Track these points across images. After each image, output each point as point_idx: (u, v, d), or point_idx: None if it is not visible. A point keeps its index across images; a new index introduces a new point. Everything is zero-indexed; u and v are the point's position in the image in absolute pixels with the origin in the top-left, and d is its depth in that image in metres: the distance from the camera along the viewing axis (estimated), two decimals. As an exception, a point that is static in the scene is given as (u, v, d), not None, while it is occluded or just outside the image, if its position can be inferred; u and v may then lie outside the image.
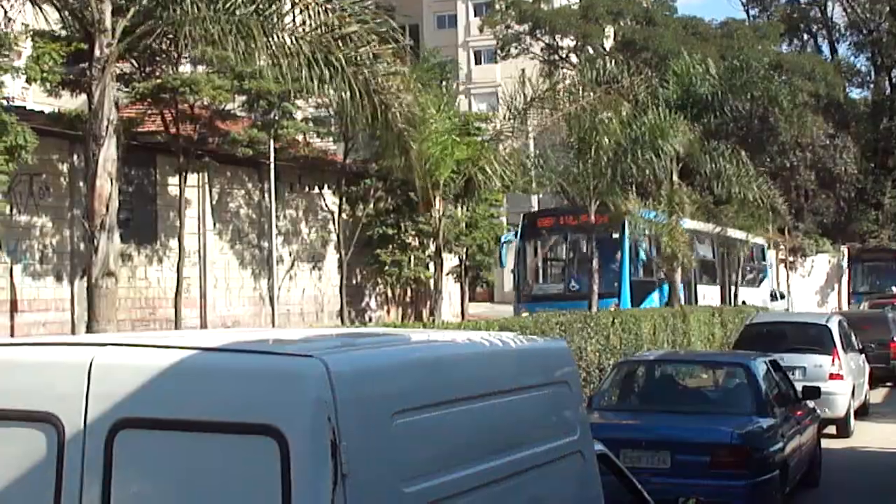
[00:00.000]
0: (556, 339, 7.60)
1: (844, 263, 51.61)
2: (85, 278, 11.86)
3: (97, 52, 11.72)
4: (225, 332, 6.22)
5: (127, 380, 4.70)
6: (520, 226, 31.53)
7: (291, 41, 12.52)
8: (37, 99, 32.49)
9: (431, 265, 26.70)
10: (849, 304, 46.02)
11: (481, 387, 5.59)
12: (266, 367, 4.65)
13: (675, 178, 25.78)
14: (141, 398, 4.66)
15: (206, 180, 28.63)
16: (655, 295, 29.11)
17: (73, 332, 22.42)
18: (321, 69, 12.50)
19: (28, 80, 20.89)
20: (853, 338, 22.58)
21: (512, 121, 18.83)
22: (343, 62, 12.64)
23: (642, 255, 28.82)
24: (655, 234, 23.93)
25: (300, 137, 31.37)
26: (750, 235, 34.73)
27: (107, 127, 11.49)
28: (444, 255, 36.74)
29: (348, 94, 12.83)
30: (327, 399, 4.42)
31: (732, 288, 34.91)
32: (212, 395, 4.59)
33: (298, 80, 12.99)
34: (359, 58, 12.94)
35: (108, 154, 11.45)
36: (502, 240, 33.86)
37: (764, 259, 42.50)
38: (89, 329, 11.21)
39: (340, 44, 12.75)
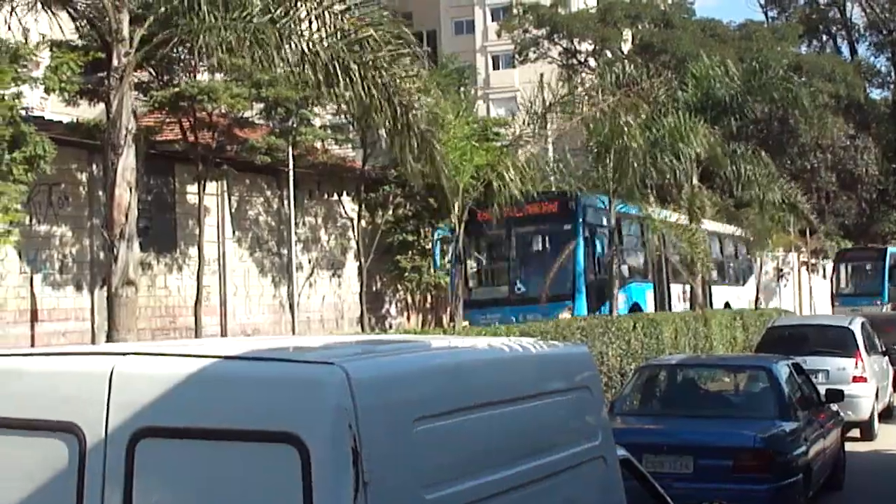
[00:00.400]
0: (577, 345, 7.61)
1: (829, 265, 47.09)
2: (105, 287, 11.88)
3: (115, 62, 11.78)
4: (245, 341, 6.23)
5: (147, 389, 4.72)
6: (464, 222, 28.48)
7: (308, 47, 12.54)
8: (55, 109, 32.63)
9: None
10: (832, 308, 41.09)
11: (502, 392, 5.58)
12: (286, 375, 4.66)
13: (695, 180, 25.72)
14: (161, 407, 4.68)
15: (225, 188, 28.66)
16: (621, 297, 25.40)
17: (93, 341, 22.49)
18: (338, 75, 12.50)
19: (46, 91, 20.97)
20: (876, 340, 22.45)
21: (531, 126, 18.80)
22: (361, 66, 12.64)
23: (600, 248, 24.97)
24: (674, 238, 23.73)
25: (318, 144, 31.38)
26: (733, 228, 32.59)
27: (125, 136, 11.53)
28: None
29: (367, 98, 12.82)
30: (348, 406, 4.42)
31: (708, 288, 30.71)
32: (232, 404, 4.60)
33: (317, 86, 13.00)
34: (377, 61, 12.94)
35: (127, 163, 11.49)
36: (435, 236, 30.41)
37: (748, 254, 37.67)
38: (109, 338, 11.25)
39: (357, 48, 12.75)
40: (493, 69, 73.33)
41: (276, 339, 7.10)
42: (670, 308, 27.55)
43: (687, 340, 23.31)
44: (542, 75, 23.45)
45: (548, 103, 18.83)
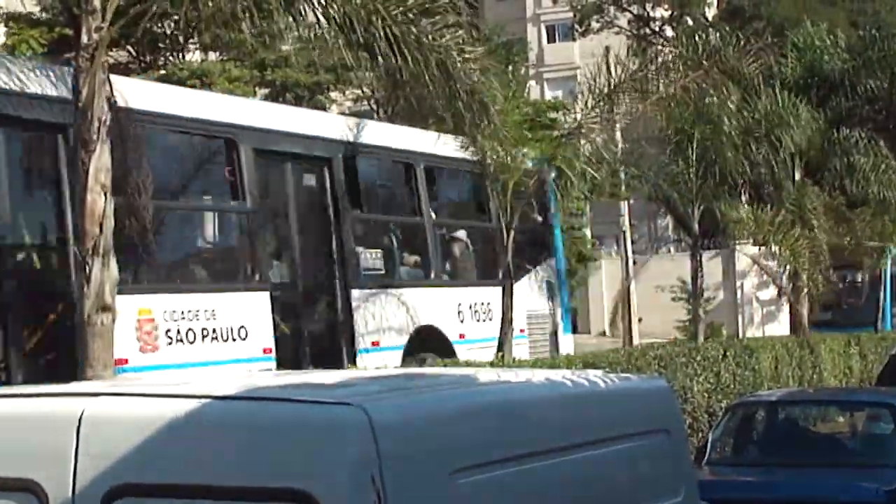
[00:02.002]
0: (654, 378, 7.58)
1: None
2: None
3: (84, 39, 11.77)
4: (246, 376, 6.24)
5: (124, 437, 4.71)
6: None
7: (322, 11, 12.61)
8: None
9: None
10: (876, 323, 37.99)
11: (562, 438, 5.59)
12: (293, 419, 4.64)
13: (797, 175, 25.56)
14: (141, 460, 4.67)
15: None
16: None
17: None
18: (360, 37, 12.58)
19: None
20: None
21: (596, 109, 18.68)
22: (388, 21, 12.73)
23: None
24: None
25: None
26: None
27: (98, 130, 11.52)
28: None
29: (398, 57, 12.92)
30: (370, 455, 4.41)
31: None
32: (227, 455, 4.60)
33: (353, 50, 13.09)
34: (406, 14, 13.05)
35: (101, 163, 11.47)
36: None
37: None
38: (81, 375, 11.26)
39: (380, 6, 12.85)
40: (548, 42, 73.15)
41: (285, 373, 7.10)
42: None
43: (790, 371, 23.07)
44: (607, 48, 23.22)
45: (615, 81, 18.69)
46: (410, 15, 13.25)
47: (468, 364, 14.83)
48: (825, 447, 14.75)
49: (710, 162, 21.86)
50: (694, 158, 21.91)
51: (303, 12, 12.79)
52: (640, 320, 45.27)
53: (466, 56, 14.18)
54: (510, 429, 5.22)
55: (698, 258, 23.09)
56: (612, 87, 18.54)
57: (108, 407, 4.86)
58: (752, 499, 12.71)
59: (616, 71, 18.89)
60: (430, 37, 13.48)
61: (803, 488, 12.70)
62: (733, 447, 14.78)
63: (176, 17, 23.38)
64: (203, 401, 4.79)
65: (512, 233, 17.32)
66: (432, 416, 4.90)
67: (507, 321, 16.98)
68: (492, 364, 14.88)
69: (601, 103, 18.42)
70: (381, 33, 12.81)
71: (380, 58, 13.13)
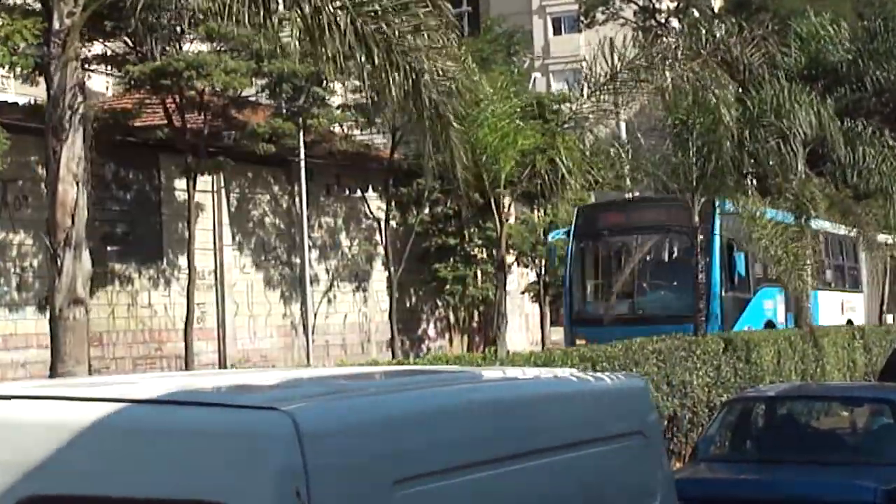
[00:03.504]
0: (631, 376, 7.20)
1: None
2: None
3: (56, 24, 11.38)
4: (175, 377, 5.83)
5: (35, 445, 4.45)
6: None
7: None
8: (20, 90, 32.64)
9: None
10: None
11: (521, 444, 5.28)
12: (211, 425, 4.35)
13: (801, 166, 25.12)
14: (54, 469, 4.41)
15: (222, 183, 28.51)
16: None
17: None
18: (319, 27, 12.06)
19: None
20: None
21: (593, 98, 18.33)
22: (354, 16, 12.19)
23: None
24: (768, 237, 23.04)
25: (337, 129, 31.11)
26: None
27: (70, 117, 11.13)
28: (519, 269, 36.62)
29: (364, 56, 12.41)
30: (295, 466, 4.12)
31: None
32: (144, 465, 4.33)
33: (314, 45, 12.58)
34: (374, 9, 12.49)
35: (74, 152, 11.09)
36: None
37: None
38: (53, 371, 10.87)
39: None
40: (554, 34, 72.89)
41: (222, 374, 6.70)
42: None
43: (792, 365, 22.76)
44: (611, 39, 22.83)
45: (615, 68, 18.32)
46: (379, 10, 12.70)
47: (432, 361, 14.39)
48: (824, 444, 14.39)
49: (709, 153, 21.48)
50: (693, 150, 21.52)
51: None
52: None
53: (439, 66, 13.59)
54: (459, 434, 4.91)
55: (696, 250, 22.67)
56: (609, 75, 18.15)
57: (18, 412, 4.50)
58: (748, 496, 12.43)
59: (613, 59, 18.50)
60: (399, 36, 12.93)
61: (800, 486, 12.41)
62: (730, 443, 14.47)
63: (169, 8, 23.04)
64: (116, 405, 4.52)
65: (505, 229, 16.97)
66: (369, 422, 4.55)
67: (500, 314, 16.61)
68: (484, 359, 14.51)
69: (598, 92, 18.04)
70: (349, 28, 12.29)
71: (346, 54, 12.61)
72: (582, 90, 18.15)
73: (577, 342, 24.02)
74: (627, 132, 28.85)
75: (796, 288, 24.71)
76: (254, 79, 27.05)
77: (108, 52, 25.54)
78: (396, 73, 12.86)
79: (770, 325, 28.02)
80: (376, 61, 12.70)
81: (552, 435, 5.44)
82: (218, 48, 25.56)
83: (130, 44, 24.90)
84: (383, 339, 32.31)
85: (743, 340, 21.19)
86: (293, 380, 5.41)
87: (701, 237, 23.90)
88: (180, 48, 25.15)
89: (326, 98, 29.16)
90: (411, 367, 8.00)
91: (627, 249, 28.16)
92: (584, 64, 19.69)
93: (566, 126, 18.62)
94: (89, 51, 24.58)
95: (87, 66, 24.69)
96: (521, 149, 17.24)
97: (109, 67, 26.30)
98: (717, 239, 26.53)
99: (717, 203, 24.91)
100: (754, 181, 28.08)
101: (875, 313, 35.08)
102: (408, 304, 33.74)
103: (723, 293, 26.52)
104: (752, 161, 24.00)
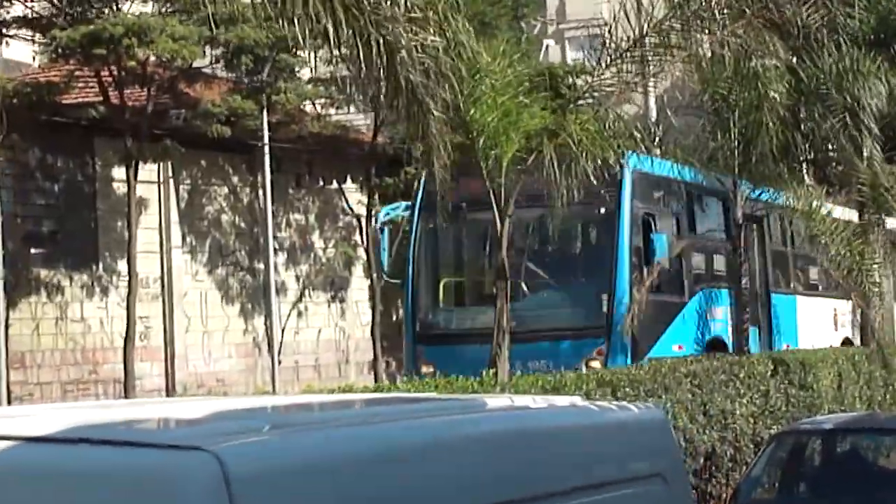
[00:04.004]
0: (647, 407, 7.09)
1: None
2: None
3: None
4: (87, 408, 5.75)
5: None
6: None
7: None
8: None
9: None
10: None
11: (510, 490, 5.20)
12: (122, 468, 4.27)
13: (869, 150, 25.06)
14: None
15: (170, 173, 28.51)
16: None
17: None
18: None
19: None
20: None
21: (613, 68, 18.20)
22: None
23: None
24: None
25: (308, 107, 31.07)
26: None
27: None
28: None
29: (331, 24, 12.36)
30: None
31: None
32: None
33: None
34: None
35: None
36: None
37: None
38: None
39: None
40: (570, -7, 72.92)
41: (141, 404, 6.60)
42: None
43: (857, 391, 22.71)
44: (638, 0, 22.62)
45: (641, 32, 18.16)
46: None
47: (421, 386, 14.27)
48: (892, 486, 14.35)
49: (755, 135, 21.42)
50: (735, 132, 21.46)
51: None
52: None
53: (417, 41, 13.56)
54: (429, 480, 4.79)
55: (740, 251, 22.63)
56: (634, 40, 18.04)
57: None
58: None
59: (640, 20, 18.39)
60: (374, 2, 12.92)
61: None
62: (779, 485, 14.77)
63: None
64: (9, 444, 4.35)
65: (507, 223, 16.85)
66: (315, 464, 4.49)
67: (500, 329, 16.51)
68: (482, 384, 14.47)
69: (619, 60, 17.95)
70: None
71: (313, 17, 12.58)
72: (600, 58, 18.02)
73: (423, 369, 20.72)
74: (658, 111, 28.74)
75: (865, 294, 24.63)
76: (207, 48, 26.99)
77: (31, 15, 25.46)
78: (368, 49, 12.88)
79: (717, 346, 23.17)
80: (344, 32, 12.71)
81: (548, 480, 5.38)
82: (162, 10, 25.51)
83: (57, 4, 24.84)
84: (364, 360, 32.36)
85: (797, 361, 21.14)
86: (230, 411, 5.32)
87: (601, 210, 22.00)
88: (118, 9, 25.08)
89: (295, 69, 29.11)
90: (389, 395, 7.85)
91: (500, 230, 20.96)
92: (603, 27, 19.47)
93: (580, 102, 18.49)
94: (7, 12, 24.54)
95: (3, 30, 24.66)
96: (525, 130, 17.14)
97: (33, 33, 26.20)
98: (625, 213, 21.75)
99: (626, 157, 20.99)
100: (811, 168, 28.05)
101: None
102: (394, 318, 33.64)
103: (634, 295, 20.93)
104: (807, 144, 23.92)
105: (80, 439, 4.42)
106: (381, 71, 13.14)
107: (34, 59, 29.46)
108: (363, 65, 12.94)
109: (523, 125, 17.10)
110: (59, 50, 24.78)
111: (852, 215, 26.69)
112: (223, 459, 4.10)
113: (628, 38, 18.03)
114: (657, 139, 23.50)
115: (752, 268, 25.54)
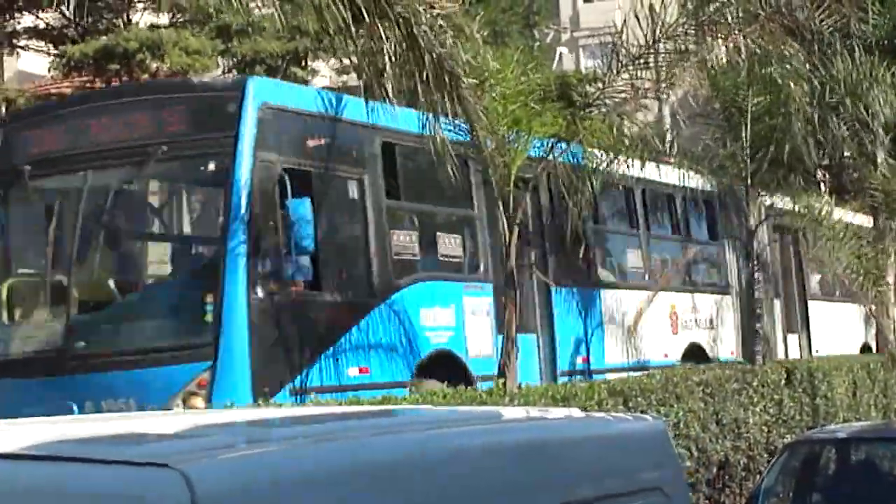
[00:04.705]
0: (644, 418, 6.93)
1: None
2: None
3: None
4: (46, 423, 5.57)
5: None
6: None
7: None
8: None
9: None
10: None
11: None
12: (84, 487, 4.04)
13: (880, 156, 24.97)
14: None
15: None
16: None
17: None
18: None
19: None
20: None
21: (625, 75, 18.06)
22: None
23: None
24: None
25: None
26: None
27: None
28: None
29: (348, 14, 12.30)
30: None
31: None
32: None
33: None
34: None
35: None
36: None
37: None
38: None
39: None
40: (585, 1, 72.81)
41: (114, 418, 6.40)
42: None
43: (872, 399, 22.49)
44: (650, 6, 22.37)
45: (653, 37, 18.00)
46: None
47: (419, 398, 13.84)
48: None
49: (766, 141, 21.30)
50: (748, 138, 21.33)
51: None
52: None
53: (436, 13, 13.49)
54: (402, 496, 4.58)
55: (753, 258, 22.47)
56: (645, 46, 17.89)
57: None
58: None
59: (656, 25, 18.23)
60: None
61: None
62: (793, 495, 14.63)
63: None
64: None
65: (516, 229, 16.48)
66: (289, 480, 4.24)
67: (510, 339, 16.24)
68: (490, 395, 14.27)
69: (629, 67, 17.78)
70: None
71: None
72: (610, 64, 17.84)
73: None
74: (672, 118, 28.57)
75: (875, 300, 24.51)
76: (219, 58, 26.95)
77: (41, 25, 25.44)
78: (388, 30, 12.75)
79: (442, 360, 17.27)
80: (365, 16, 12.61)
81: (537, 496, 5.17)
82: (175, 21, 25.48)
83: (68, 14, 24.82)
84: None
85: (810, 369, 20.98)
86: (202, 426, 5.11)
87: (207, 165, 16.35)
88: (129, 21, 25.04)
89: (308, 80, 29.04)
90: (367, 409, 7.56)
91: (74, 203, 16.48)
92: (615, 35, 19.29)
93: (591, 109, 18.31)
94: (18, 22, 24.51)
95: (14, 41, 24.62)
96: (535, 135, 16.99)
97: (46, 45, 26.17)
98: (242, 167, 14.96)
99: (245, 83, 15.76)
100: (826, 175, 27.95)
101: None
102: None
103: (257, 295, 14.86)
104: (820, 151, 23.77)
105: (40, 456, 4.27)
106: (404, 49, 13.00)
107: (49, 70, 29.44)
108: (384, 48, 12.77)
109: (534, 131, 16.97)
110: (72, 63, 24.73)
111: (867, 221, 26.60)
112: (191, 478, 3.89)
113: (639, 44, 17.88)
114: (670, 146, 23.31)
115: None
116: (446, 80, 13.63)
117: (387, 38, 12.72)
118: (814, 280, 28.73)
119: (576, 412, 6.36)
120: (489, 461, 5.07)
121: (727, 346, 24.07)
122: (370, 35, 12.84)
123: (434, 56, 13.27)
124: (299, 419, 5.81)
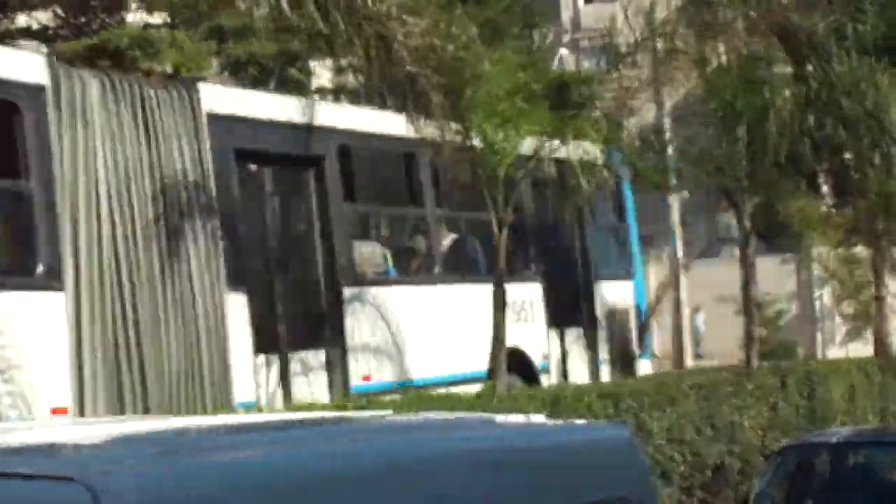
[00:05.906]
0: (610, 425, 6.69)
1: None
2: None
3: None
4: None
5: None
6: None
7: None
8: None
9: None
10: None
11: None
12: None
13: (877, 157, 24.80)
14: None
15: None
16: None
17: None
18: None
19: None
20: None
21: (616, 73, 18.00)
22: None
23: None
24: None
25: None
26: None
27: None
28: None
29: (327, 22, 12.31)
30: None
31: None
32: None
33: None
34: None
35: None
36: None
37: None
38: None
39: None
40: (585, 2, 72.89)
41: (22, 428, 6.12)
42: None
43: (870, 403, 22.36)
44: (651, 6, 22.47)
45: (643, 34, 17.94)
46: None
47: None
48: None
49: (762, 144, 21.19)
50: (743, 141, 21.21)
51: None
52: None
53: (408, 30, 13.39)
54: None
55: (750, 261, 22.33)
56: (635, 43, 17.83)
57: None
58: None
59: (647, 23, 18.17)
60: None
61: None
62: (787, 499, 14.45)
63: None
64: None
65: (505, 230, 16.39)
66: (209, 495, 4.01)
67: (498, 340, 16.09)
68: (479, 398, 14.11)
69: (619, 66, 17.71)
70: None
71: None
72: (599, 62, 17.86)
73: None
74: (671, 120, 28.44)
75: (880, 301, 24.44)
76: (213, 58, 26.79)
77: (35, 25, 25.33)
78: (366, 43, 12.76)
79: None
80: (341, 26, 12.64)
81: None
82: (169, 21, 25.32)
83: (61, 14, 24.69)
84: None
85: (807, 372, 20.97)
86: (119, 435, 4.85)
87: None
88: (122, 20, 24.91)
89: (306, 82, 28.86)
90: (303, 416, 7.15)
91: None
92: (604, 34, 19.30)
93: (579, 108, 18.23)
94: (12, 22, 24.37)
95: (10, 40, 24.48)
96: (526, 133, 16.90)
97: (39, 45, 26.03)
98: None
99: None
100: (829, 178, 27.80)
101: None
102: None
103: None
104: (818, 153, 23.62)
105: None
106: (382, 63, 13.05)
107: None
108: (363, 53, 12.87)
109: (524, 130, 16.88)
110: (64, 60, 24.59)
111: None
112: (97, 491, 3.66)
113: (627, 43, 17.85)
114: (664, 147, 23.20)
115: None
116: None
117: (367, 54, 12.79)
118: None
119: (537, 418, 6.11)
120: (439, 471, 4.78)
121: None
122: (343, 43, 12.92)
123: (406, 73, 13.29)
124: (228, 429, 5.54)
